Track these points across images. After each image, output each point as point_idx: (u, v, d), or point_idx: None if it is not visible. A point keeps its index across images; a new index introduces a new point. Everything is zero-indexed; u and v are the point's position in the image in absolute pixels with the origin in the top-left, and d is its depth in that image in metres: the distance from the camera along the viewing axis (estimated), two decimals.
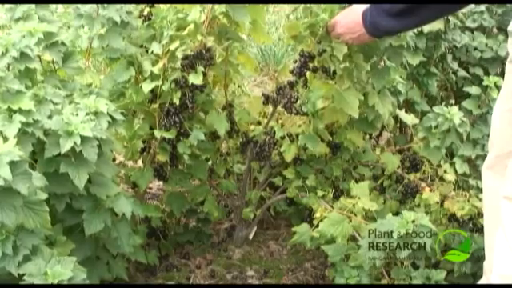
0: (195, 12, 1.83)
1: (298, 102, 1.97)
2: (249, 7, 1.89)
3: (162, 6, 1.95)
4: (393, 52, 2.02)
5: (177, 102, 1.88)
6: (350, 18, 1.80)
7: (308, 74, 2.02)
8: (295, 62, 1.98)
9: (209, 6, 1.86)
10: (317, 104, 1.98)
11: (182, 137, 1.99)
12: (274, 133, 2.07)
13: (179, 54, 1.84)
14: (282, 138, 2.10)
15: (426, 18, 1.75)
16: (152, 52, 1.89)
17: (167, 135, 1.93)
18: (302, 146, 2.08)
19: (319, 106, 2.00)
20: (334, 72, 1.99)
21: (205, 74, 1.88)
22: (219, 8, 1.85)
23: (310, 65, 1.97)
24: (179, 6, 1.89)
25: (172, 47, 1.84)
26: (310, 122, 2.05)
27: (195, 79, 1.84)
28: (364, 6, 1.75)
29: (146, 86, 1.86)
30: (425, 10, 1.62)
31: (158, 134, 1.92)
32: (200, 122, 2.05)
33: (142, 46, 1.95)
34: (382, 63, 2.09)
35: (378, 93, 2.07)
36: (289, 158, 2.09)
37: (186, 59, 1.85)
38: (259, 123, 2.25)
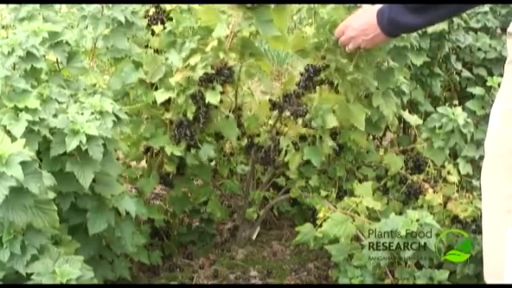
0: (220, 29, 1.76)
1: (307, 115, 1.94)
2: (273, 16, 1.80)
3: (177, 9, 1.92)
4: (397, 53, 2.01)
5: (190, 116, 1.83)
6: (363, 20, 1.73)
7: (318, 89, 1.98)
8: (301, 74, 1.95)
9: (234, 22, 1.79)
10: (327, 120, 1.93)
11: (192, 148, 1.95)
12: (279, 140, 2.06)
13: (200, 71, 1.77)
14: (288, 145, 2.09)
15: (448, 14, 1.69)
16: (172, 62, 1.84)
17: (177, 152, 1.88)
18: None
19: (330, 123, 1.94)
20: (337, 85, 1.98)
21: (222, 93, 1.81)
22: (245, 25, 1.77)
23: (316, 78, 1.93)
24: (202, 17, 1.84)
25: (192, 62, 1.77)
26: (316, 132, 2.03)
27: (212, 98, 1.78)
28: (377, 6, 1.69)
29: (160, 96, 1.82)
30: (444, 7, 1.57)
31: (168, 150, 1.88)
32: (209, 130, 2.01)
33: (147, 46, 1.95)
34: (386, 64, 2.09)
35: (382, 94, 2.07)
36: (293, 167, 2.10)
37: (205, 75, 1.79)
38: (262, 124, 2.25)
